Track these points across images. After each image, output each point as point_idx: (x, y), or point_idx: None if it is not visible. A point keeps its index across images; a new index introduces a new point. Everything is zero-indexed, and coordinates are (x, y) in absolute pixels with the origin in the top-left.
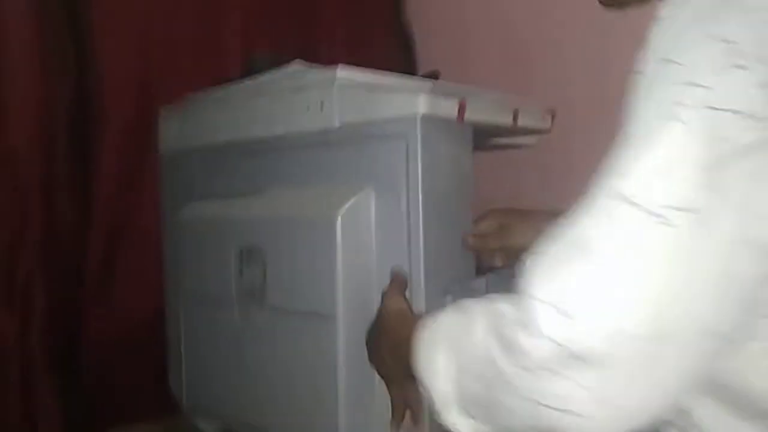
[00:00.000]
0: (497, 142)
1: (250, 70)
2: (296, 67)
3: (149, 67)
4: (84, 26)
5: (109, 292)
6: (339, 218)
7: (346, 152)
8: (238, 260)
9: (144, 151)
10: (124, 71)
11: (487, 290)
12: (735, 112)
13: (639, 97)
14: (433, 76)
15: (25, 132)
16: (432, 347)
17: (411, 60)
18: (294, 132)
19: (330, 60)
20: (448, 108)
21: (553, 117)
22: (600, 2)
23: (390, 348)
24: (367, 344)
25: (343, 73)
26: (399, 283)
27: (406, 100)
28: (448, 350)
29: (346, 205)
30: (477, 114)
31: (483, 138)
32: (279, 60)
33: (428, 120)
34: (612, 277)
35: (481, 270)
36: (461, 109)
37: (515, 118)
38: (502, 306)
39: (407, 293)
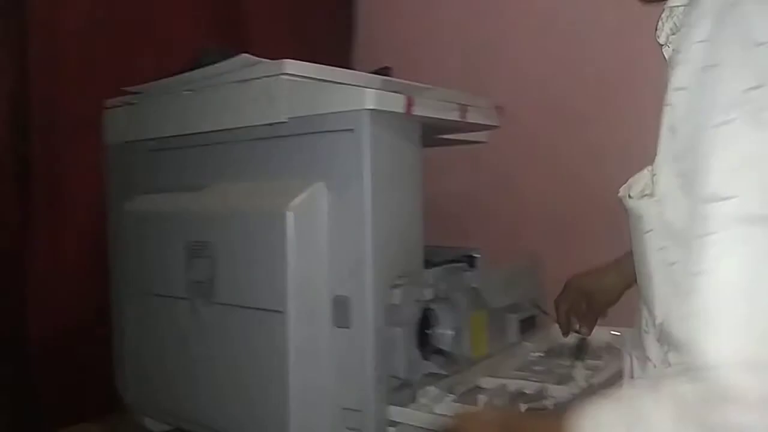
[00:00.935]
0: (449, 138)
1: (198, 63)
2: (244, 59)
3: (94, 57)
4: (26, 16)
5: (53, 288)
6: (290, 212)
7: (295, 146)
8: (185, 255)
9: (88, 143)
10: (67, 62)
11: (435, 283)
12: None
13: (690, 111)
14: (384, 72)
15: None
16: None
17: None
18: (242, 125)
19: (276, 54)
20: (397, 102)
21: (500, 112)
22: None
23: None
24: None
25: (291, 66)
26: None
27: (355, 94)
28: None
29: (297, 199)
30: (425, 109)
31: (433, 134)
32: (227, 53)
33: (377, 114)
34: None
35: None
36: (409, 104)
37: (463, 113)
38: (679, 389)
39: None
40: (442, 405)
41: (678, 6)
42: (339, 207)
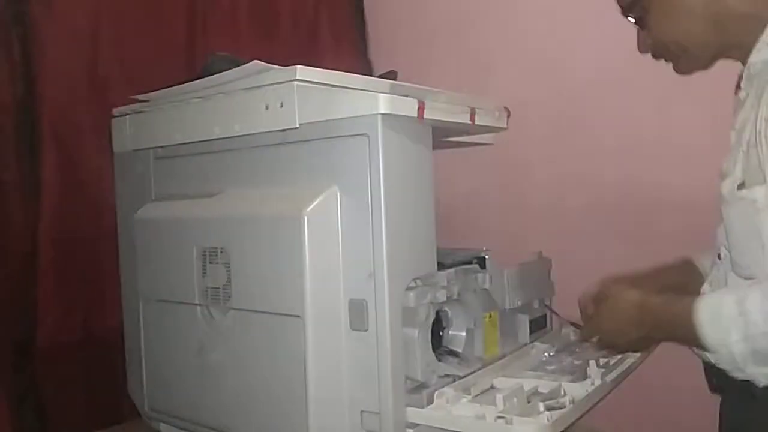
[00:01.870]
0: (456, 140)
1: (207, 70)
2: (255, 66)
3: (100, 66)
4: (30, 26)
5: (63, 296)
6: (306, 217)
7: (307, 151)
8: (200, 261)
9: (96, 151)
10: (73, 71)
11: (448, 285)
12: None
13: None
14: (391, 76)
15: None
16: (720, 322)
17: (366, 59)
18: (254, 132)
19: (289, 60)
20: (409, 107)
21: (508, 115)
22: (676, 71)
23: (650, 327)
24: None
25: (303, 72)
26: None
27: (367, 99)
28: (736, 321)
29: (312, 204)
30: (436, 113)
31: (442, 136)
32: (237, 61)
33: (389, 119)
34: None
35: None
36: (421, 108)
37: (473, 116)
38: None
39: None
40: (459, 406)
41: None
42: (353, 211)
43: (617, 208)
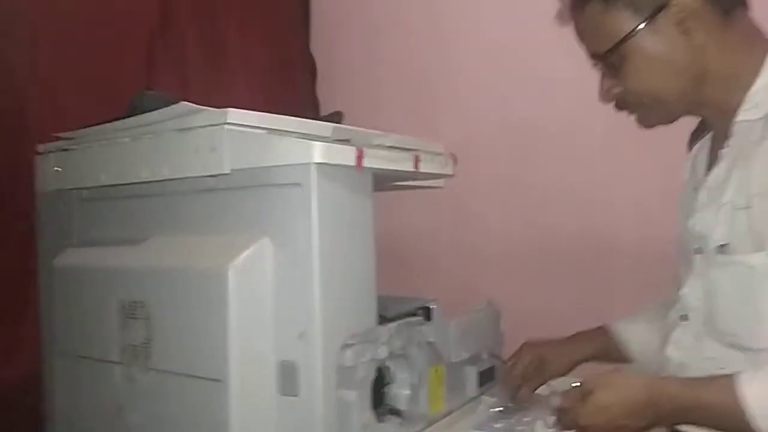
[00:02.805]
0: (403, 184)
1: (135, 108)
2: (184, 107)
3: (25, 101)
4: None
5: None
6: (230, 270)
7: (238, 199)
8: (119, 315)
9: (18, 190)
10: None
11: (390, 340)
12: None
13: None
14: (335, 118)
15: None
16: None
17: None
18: (182, 176)
19: (239, 95)
20: (346, 155)
21: (455, 161)
22: (639, 123)
23: (663, 414)
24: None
25: (234, 115)
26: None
27: (302, 147)
28: None
29: (241, 256)
30: (377, 161)
31: (387, 181)
32: (166, 99)
33: (324, 168)
34: None
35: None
36: (360, 157)
37: (417, 163)
38: None
39: None
40: None
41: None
42: (285, 265)
43: (568, 253)
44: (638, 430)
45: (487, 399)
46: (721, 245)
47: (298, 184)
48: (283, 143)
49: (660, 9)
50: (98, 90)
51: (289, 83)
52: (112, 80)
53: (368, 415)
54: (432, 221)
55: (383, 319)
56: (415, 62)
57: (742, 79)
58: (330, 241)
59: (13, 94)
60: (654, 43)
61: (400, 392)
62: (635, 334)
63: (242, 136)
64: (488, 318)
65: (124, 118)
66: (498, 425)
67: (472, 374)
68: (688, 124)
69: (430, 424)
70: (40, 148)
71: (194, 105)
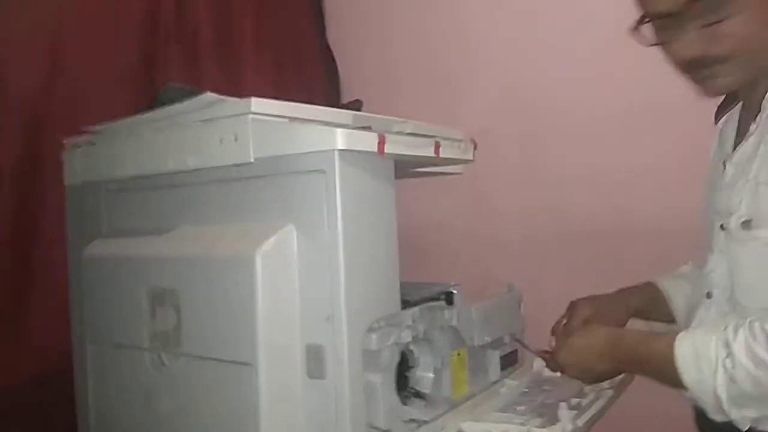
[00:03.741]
0: (423, 170)
1: (159, 101)
2: (207, 98)
3: (52, 96)
4: None
5: (19, 330)
6: (258, 257)
7: (263, 187)
8: (149, 302)
9: (48, 183)
10: (24, 101)
11: (413, 324)
12: None
13: None
14: (355, 106)
15: None
16: (698, 362)
17: (336, 85)
18: (207, 166)
19: (255, 88)
20: (368, 142)
21: (475, 147)
22: (705, 91)
23: (621, 362)
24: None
25: (258, 104)
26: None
27: (324, 134)
28: (724, 364)
29: (266, 243)
30: (398, 147)
31: (408, 167)
32: (190, 92)
33: (347, 154)
34: None
35: None
36: (381, 143)
37: (437, 149)
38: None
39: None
40: None
41: None
42: (310, 250)
43: (587, 237)
44: (604, 373)
45: (509, 382)
46: (745, 221)
47: (321, 171)
48: (306, 131)
49: None
50: (117, 85)
51: (305, 74)
52: (127, 75)
53: (393, 397)
54: (451, 209)
55: (406, 304)
56: (432, 50)
57: None
58: (354, 226)
59: (38, 88)
60: None
61: (423, 375)
62: (681, 292)
63: (266, 125)
64: (510, 302)
65: (149, 110)
66: (520, 407)
67: (494, 358)
68: (705, 105)
69: (453, 407)
70: (67, 142)
71: (218, 95)
